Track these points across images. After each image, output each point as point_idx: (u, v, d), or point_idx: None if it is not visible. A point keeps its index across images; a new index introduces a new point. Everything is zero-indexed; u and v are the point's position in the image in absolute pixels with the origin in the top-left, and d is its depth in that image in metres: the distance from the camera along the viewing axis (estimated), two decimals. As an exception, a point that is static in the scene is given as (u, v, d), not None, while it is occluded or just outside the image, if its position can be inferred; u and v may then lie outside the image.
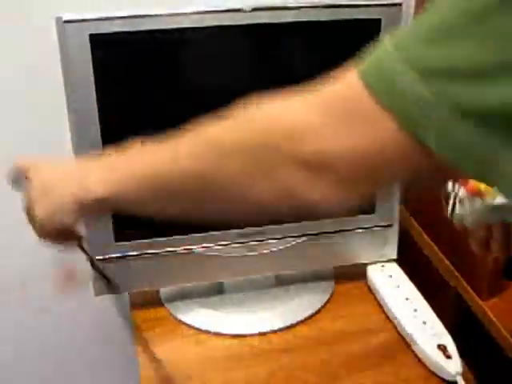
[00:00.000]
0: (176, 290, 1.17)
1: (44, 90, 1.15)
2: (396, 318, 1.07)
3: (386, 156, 0.48)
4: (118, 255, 1.03)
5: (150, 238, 1.03)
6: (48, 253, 1.30)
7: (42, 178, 0.73)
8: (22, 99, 1.16)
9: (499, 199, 0.79)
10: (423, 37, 0.45)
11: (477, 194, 0.83)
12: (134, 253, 1.03)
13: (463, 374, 0.96)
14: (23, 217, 0.77)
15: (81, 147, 0.95)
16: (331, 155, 0.49)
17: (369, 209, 1.10)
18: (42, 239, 0.76)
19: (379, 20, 0.98)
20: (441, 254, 1.16)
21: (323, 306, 1.14)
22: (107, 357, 1.51)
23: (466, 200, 0.82)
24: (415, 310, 1.06)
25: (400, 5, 0.98)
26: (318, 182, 0.51)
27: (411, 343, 1.03)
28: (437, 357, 0.98)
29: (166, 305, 1.15)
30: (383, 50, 0.47)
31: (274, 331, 1.08)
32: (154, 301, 1.16)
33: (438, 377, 0.98)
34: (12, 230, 1.20)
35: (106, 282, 0.92)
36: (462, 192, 0.84)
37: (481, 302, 1.06)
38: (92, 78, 0.91)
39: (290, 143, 0.51)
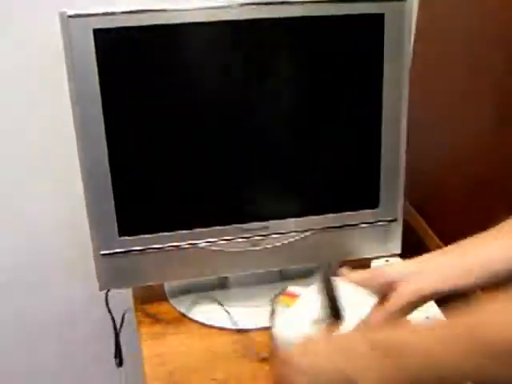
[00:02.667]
0: (180, 285, 1.17)
1: (47, 85, 1.16)
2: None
3: None
4: (122, 250, 1.03)
5: (154, 232, 1.03)
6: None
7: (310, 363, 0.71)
8: (24, 95, 1.17)
9: None
10: None
11: None
12: (138, 247, 1.04)
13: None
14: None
15: (85, 142, 0.96)
16: None
17: (373, 203, 1.10)
18: None
19: (382, 15, 0.98)
20: (445, 249, 1.16)
21: (327, 301, 1.15)
22: (111, 351, 1.51)
23: None
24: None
25: (403, 0, 0.98)
26: None
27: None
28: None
29: (170, 299, 1.15)
30: None
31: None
32: (158, 295, 1.16)
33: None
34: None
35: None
36: None
37: (484, 297, 1.06)
38: (96, 73, 0.92)
39: None
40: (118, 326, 1.18)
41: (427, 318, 1.06)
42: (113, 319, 1.17)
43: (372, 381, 0.64)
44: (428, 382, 0.62)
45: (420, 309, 1.02)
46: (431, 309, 1.09)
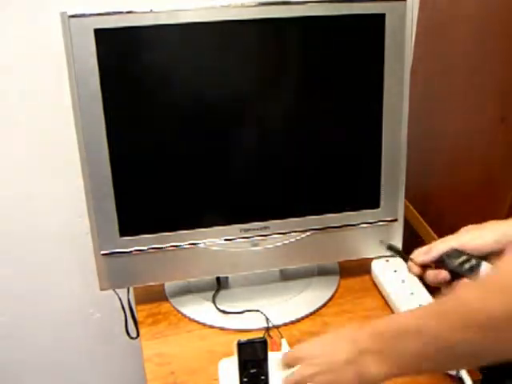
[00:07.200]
0: (180, 285, 1.17)
1: (48, 85, 1.16)
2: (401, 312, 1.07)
3: None
4: (123, 250, 1.03)
5: (155, 232, 1.03)
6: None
7: (319, 358, 0.80)
8: (24, 95, 1.17)
9: None
10: None
11: None
12: (139, 247, 1.04)
13: (468, 369, 0.95)
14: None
15: (86, 142, 0.95)
16: None
17: (373, 203, 1.10)
18: None
19: (383, 15, 0.98)
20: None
21: (328, 301, 1.15)
22: (111, 351, 1.52)
23: None
24: (420, 305, 1.06)
25: (404, 0, 0.98)
26: None
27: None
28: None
29: (170, 299, 1.15)
30: None
31: (279, 326, 1.08)
32: (158, 295, 1.16)
33: (443, 372, 0.98)
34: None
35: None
36: None
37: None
38: (97, 73, 0.92)
39: None
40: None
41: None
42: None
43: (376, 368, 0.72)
44: (426, 368, 0.72)
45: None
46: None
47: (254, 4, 0.93)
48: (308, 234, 1.09)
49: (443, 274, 0.84)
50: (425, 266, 0.88)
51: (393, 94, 1.03)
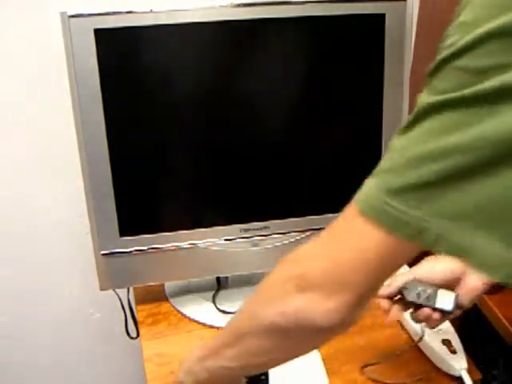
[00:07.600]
0: (180, 285, 1.17)
1: (48, 85, 1.16)
2: (400, 312, 1.07)
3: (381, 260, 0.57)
4: (123, 250, 1.03)
5: (155, 232, 1.03)
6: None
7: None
8: (24, 95, 1.17)
9: None
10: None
11: None
12: (139, 247, 1.04)
13: (468, 369, 0.95)
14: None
15: (86, 142, 0.95)
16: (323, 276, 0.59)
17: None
18: None
19: (383, 15, 0.98)
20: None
21: (327, 301, 1.14)
22: (111, 351, 1.51)
23: None
24: (420, 305, 1.06)
25: (404, 0, 0.98)
26: (323, 300, 0.59)
27: (416, 338, 1.03)
28: (442, 352, 0.98)
29: (170, 299, 1.15)
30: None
31: (279, 326, 1.08)
32: (158, 295, 1.16)
33: (443, 372, 0.98)
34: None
35: None
36: None
37: (485, 297, 1.06)
38: (97, 73, 0.92)
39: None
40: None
41: None
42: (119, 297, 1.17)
43: None
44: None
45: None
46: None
47: (254, 4, 0.93)
48: (308, 233, 1.09)
49: (398, 308, 0.88)
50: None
51: (392, 94, 1.03)
